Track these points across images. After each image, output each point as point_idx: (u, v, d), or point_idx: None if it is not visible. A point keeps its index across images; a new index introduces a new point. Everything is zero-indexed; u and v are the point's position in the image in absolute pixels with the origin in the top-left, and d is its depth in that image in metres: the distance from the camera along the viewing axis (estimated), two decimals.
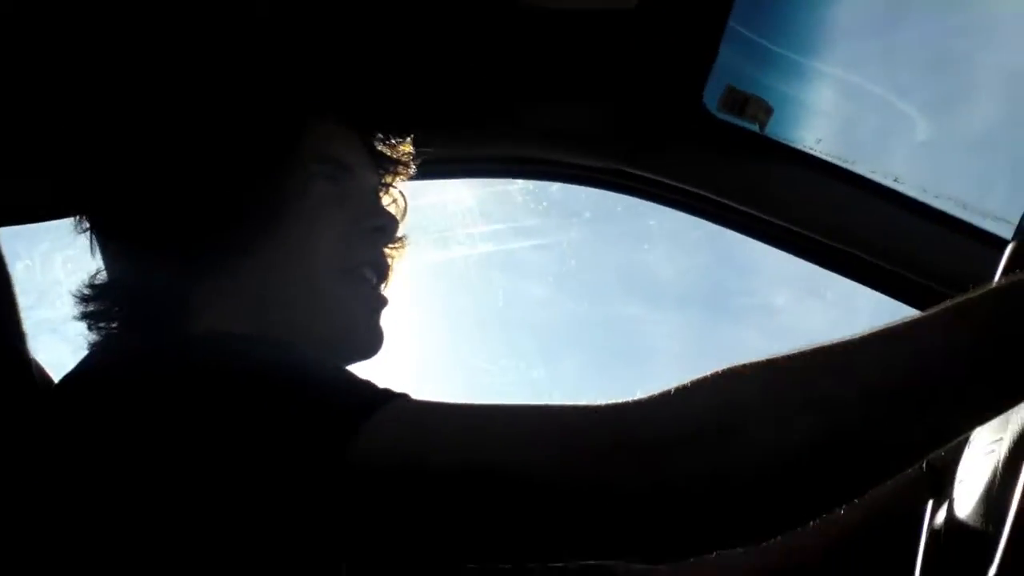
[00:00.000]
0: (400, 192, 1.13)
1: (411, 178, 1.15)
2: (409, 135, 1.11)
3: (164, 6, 1.10)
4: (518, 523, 0.66)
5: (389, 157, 1.09)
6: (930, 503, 0.95)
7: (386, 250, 1.05)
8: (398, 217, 1.09)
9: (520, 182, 1.77)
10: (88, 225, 0.99)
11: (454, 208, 1.88)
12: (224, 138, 0.94)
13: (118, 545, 0.72)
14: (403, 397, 0.72)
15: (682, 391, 0.66)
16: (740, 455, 0.62)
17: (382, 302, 1.03)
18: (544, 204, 1.95)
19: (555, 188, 1.77)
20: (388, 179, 1.10)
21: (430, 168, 1.60)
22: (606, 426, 0.66)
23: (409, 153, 1.11)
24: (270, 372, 0.74)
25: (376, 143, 1.08)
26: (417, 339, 2.24)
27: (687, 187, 1.59)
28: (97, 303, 0.95)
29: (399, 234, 1.08)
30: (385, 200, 1.10)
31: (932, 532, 0.92)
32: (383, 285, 1.05)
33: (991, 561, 0.63)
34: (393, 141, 1.10)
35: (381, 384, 0.74)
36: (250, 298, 0.94)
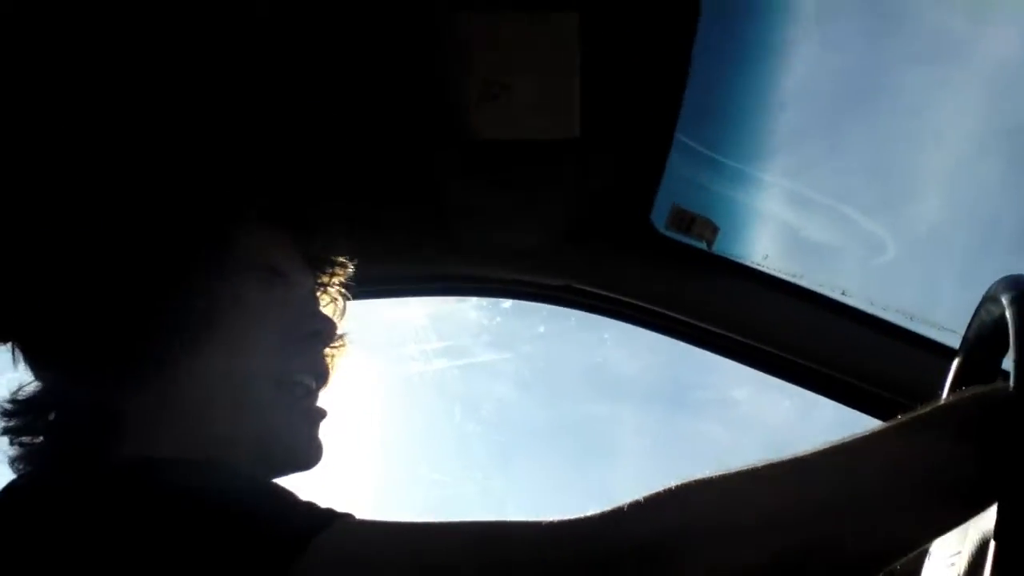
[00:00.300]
0: (339, 291, 1.10)
1: (362, 297, 1.14)
2: (345, 246, 1.10)
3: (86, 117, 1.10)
4: None
5: (325, 258, 1.07)
6: None
7: (326, 352, 1.03)
8: (336, 317, 1.06)
9: (473, 299, 1.78)
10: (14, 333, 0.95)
11: (407, 326, 1.89)
12: (149, 249, 0.91)
13: None
14: (345, 518, 0.70)
15: (635, 507, 0.65)
16: (692, 575, 0.61)
17: (320, 414, 0.99)
18: (497, 319, 1.96)
19: (508, 302, 1.78)
20: (325, 279, 1.08)
21: (381, 287, 1.62)
22: (556, 541, 0.65)
23: (346, 253, 1.09)
24: (203, 503, 0.71)
25: (311, 245, 1.06)
26: (374, 456, 2.21)
27: (638, 303, 1.61)
28: (20, 418, 0.91)
29: (338, 334, 1.04)
30: (323, 300, 1.08)
31: None
32: (322, 389, 1.01)
33: None
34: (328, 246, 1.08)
35: (324, 504, 0.72)
36: (181, 413, 0.90)
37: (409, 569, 0.66)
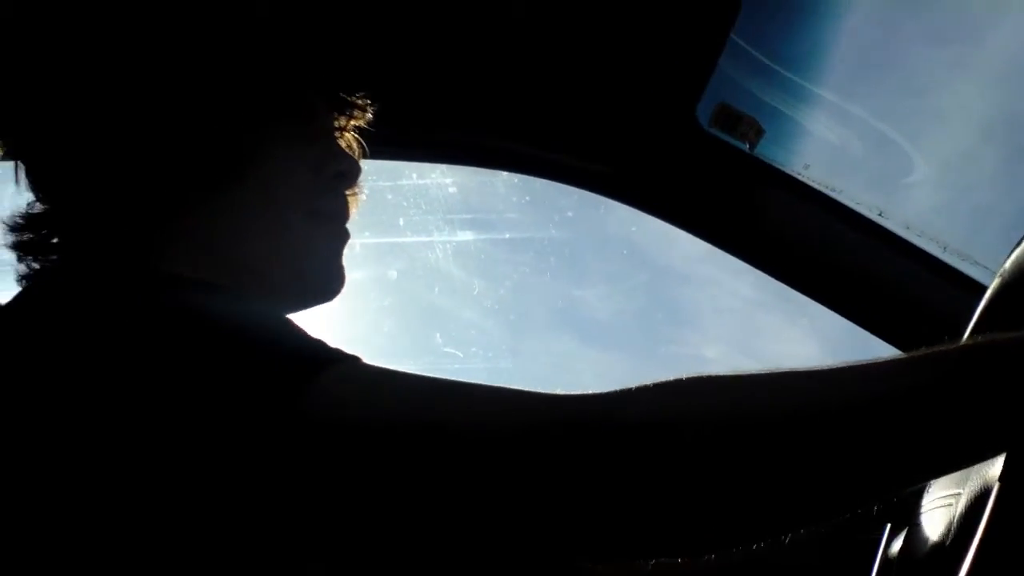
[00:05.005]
0: (357, 138, 1.08)
1: (394, 158, 1.13)
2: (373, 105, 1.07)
3: None
4: (464, 491, 0.64)
5: (347, 100, 1.05)
6: (887, 528, 0.96)
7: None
8: (357, 160, 1.05)
9: (505, 173, 1.76)
10: (27, 152, 0.93)
11: (437, 192, 1.87)
12: (198, 74, 0.90)
13: (52, 500, 0.69)
14: (356, 358, 0.70)
15: (643, 390, 0.65)
16: (689, 464, 0.61)
17: (344, 238, 1.00)
18: (527, 198, 1.95)
19: (540, 182, 1.76)
20: (342, 122, 1.05)
21: (414, 150, 1.60)
22: (564, 405, 0.65)
23: (367, 98, 1.06)
24: (226, 324, 0.72)
25: (335, 85, 1.04)
26: (388, 318, 2.23)
27: (671, 197, 1.59)
28: (31, 233, 0.90)
29: (359, 178, 1.04)
30: (341, 143, 1.05)
31: (886, 558, 0.93)
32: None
33: None
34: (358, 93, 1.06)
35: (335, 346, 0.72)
36: (211, 239, 0.90)
37: (415, 410, 0.67)
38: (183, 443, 0.66)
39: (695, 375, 0.65)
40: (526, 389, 0.68)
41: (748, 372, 0.66)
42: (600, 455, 0.62)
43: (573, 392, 0.66)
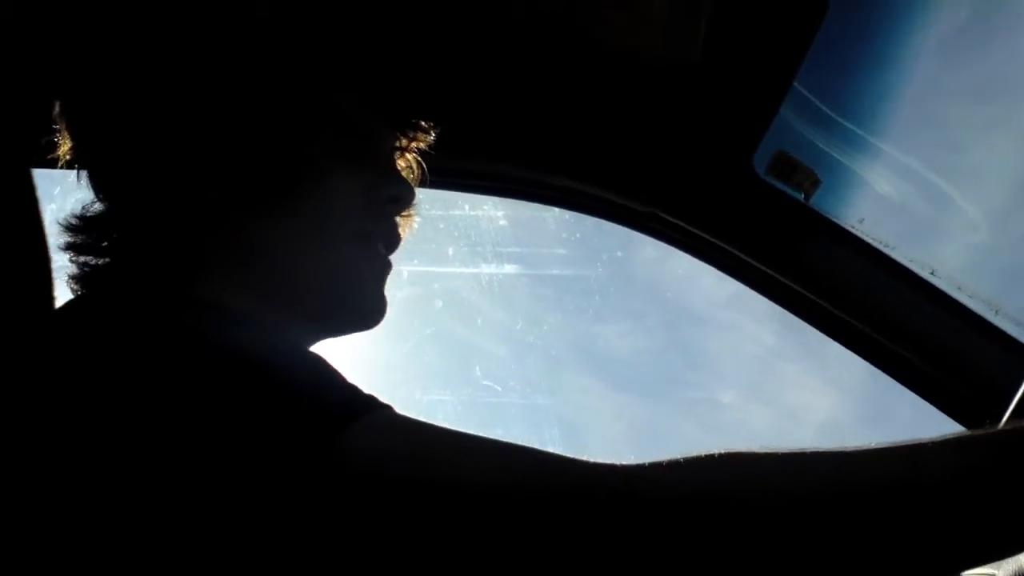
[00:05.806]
0: (417, 160, 1.09)
1: (447, 188, 1.13)
2: (435, 127, 1.08)
3: None
4: (486, 549, 0.64)
5: (408, 121, 1.06)
6: None
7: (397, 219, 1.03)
8: (413, 185, 1.05)
9: (556, 209, 1.77)
10: (91, 159, 0.95)
11: (487, 224, 1.88)
12: (259, 89, 0.91)
13: (77, 523, 0.69)
14: (387, 408, 0.71)
15: (677, 464, 0.65)
16: (726, 539, 0.61)
17: (388, 268, 1.00)
18: (577, 235, 1.95)
19: (590, 220, 1.76)
20: (405, 143, 1.07)
21: (466, 181, 1.62)
22: (600, 475, 0.66)
23: (430, 120, 1.07)
24: (261, 368, 0.72)
25: (398, 106, 1.05)
26: (429, 345, 2.24)
27: (722, 244, 1.58)
28: (86, 235, 0.92)
29: (412, 204, 1.04)
30: (400, 164, 1.07)
31: None
32: (390, 255, 1.02)
33: None
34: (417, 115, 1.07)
35: (367, 391, 0.73)
36: (260, 254, 0.91)
37: (440, 465, 0.67)
38: (213, 486, 0.67)
39: (724, 451, 0.66)
40: (552, 452, 0.68)
41: (777, 451, 0.66)
42: (617, 529, 0.62)
43: (601, 462, 0.67)
